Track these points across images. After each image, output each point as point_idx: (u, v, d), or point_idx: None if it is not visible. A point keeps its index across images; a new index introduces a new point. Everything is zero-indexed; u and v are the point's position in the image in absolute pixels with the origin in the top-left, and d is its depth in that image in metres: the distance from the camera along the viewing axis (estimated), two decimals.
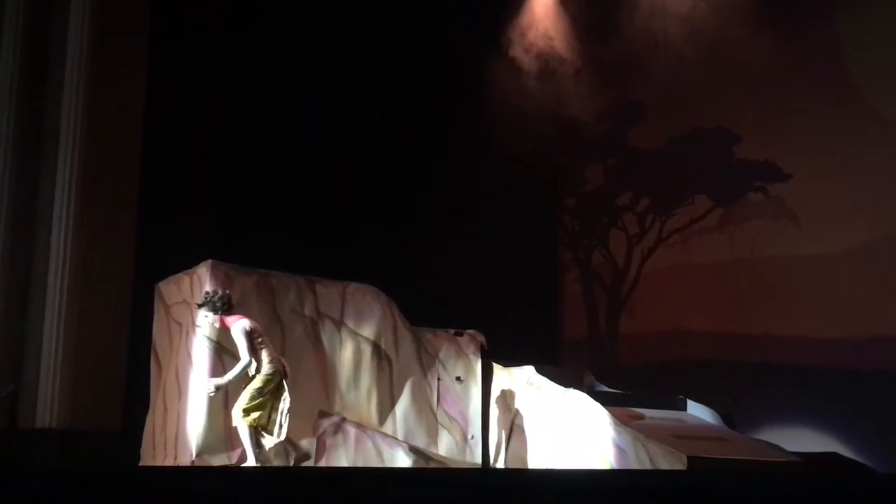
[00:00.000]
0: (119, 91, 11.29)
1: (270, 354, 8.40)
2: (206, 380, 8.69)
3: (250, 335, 8.35)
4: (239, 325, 8.38)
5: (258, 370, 8.30)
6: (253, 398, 8.24)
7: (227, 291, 8.67)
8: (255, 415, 8.24)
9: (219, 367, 9.01)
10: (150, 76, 11.42)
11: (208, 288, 8.92)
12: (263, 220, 11.53)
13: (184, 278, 9.84)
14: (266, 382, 8.29)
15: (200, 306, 8.51)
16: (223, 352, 9.18)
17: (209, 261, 9.57)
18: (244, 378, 8.34)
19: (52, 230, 11.00)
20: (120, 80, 11.29)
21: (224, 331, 8.59)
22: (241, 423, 8.26)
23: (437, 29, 12.90)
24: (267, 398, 8.27)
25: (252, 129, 11.71)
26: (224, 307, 8.45)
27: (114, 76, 11.26)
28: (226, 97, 11.59)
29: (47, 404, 10.62)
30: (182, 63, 11.37)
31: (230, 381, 8.39)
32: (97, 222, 11.02)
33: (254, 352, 8.31)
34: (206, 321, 8.57)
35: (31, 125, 11.30)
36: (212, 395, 8.57)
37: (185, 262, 9.88)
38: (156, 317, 10.15)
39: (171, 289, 10.03)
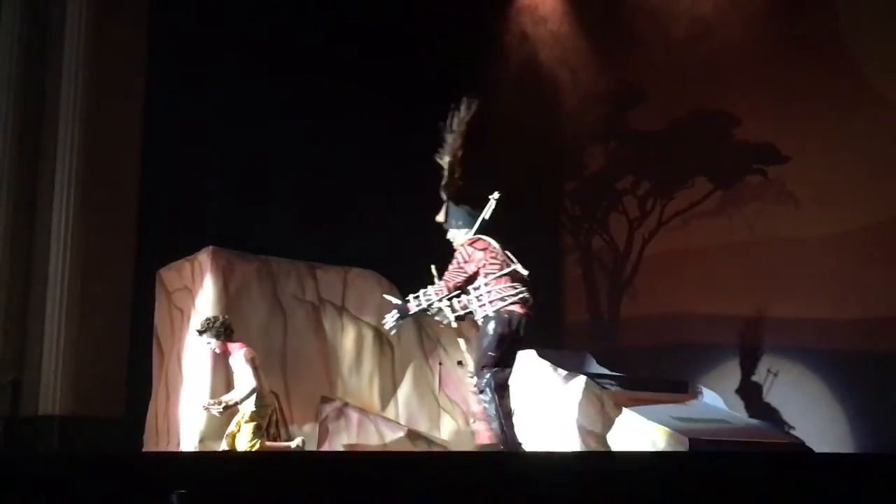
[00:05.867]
0: (119, 77, 11.30)
1: (264, 385, 8.57)
2: (213, 400, 8.71)
3: (253, 362, 8.49)
4: (243, 353, 8.54)
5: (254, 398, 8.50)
6: (254, 435, 8.45)
7: (227, 316, 8.76)
8: (258, 444, 8.48)
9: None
10: (150, 62, 11.41)
11: (208, 314, 8.96)
12: (264, 206, 11.53)
13: (185, 265, 9.86)
14: (262, 416, 8.51)
15: (202, 332, 8.60)
16: None
17: (210, 247, 9.58)
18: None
19: (52, 217, 11.01)
20: (120, 65, 11.29)
21: (224, 356, 8.70)
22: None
23: (433, 12, 12.87)
24: (264, 439, 8.52)
25: (252, 115, 11.70)
26: (227, 332, 8.59)
27: (114, 61, 11.26)
28: (226, 81, 11.57)
29: (50, 391, 10.66)
30: (182, 49, 11.35)
31: (237, 403, 8.53)
32: (98, 209, 11.04)
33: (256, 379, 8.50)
34: (208, 347, 8.68)
35: (31, 112, 11.30)
36: (219, 414, 8.63)
37: (186, 249, 9.89)
38: (157, 303, 10.16)
39: (172, 275, 10.04)
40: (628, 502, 4.94)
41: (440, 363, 10.32)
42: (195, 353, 9.31)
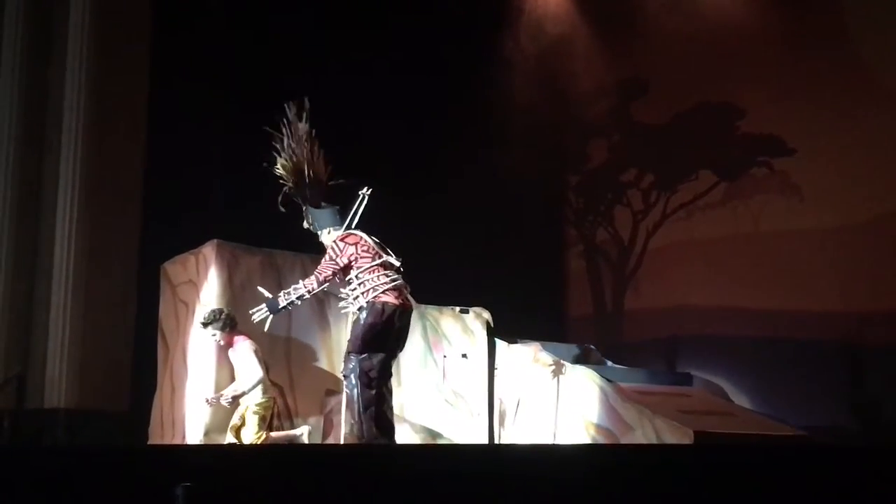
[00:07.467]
0: (122, 72, 11.30)
1: (266, 377, 8.66)
2: (216, 394, 8.76)
3: (257, 353, 8.54)
4: (247, 345, 8.59)
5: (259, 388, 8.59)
6: (259, 427, 8.52)
7: (230, 309, 8.80)
8: (263, 435, 8.57)
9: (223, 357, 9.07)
10: (153, 56, 11.41)
11: (213, 306, 9.01)
12: (268, 199, 11.51)
13: (189, 258, 9.86)
14: (266, 409, 8.61)
15: (207, 324, 8.65)
16: None
17: (214, 240, 9.58)
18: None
19: (57, 211, 11.02)
20: (123, 61, 11.29)
21: (227, 348, 8.75)
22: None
23: (437, 6, 12.86)
24: (268, 431, 8.64)
25: (257, 109, 11.68)
26: (231, 324, 8.66)
27: (117, 57, 11.26)
28: (230, 76, 11.56)
29: (55, 384, 10.68)
30: (186, 43, 11.34)
31: (244, 394, 8.59)
32: (102, 203, 11.05)
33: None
34: (213, 339, 8.73)
35: (35, 107, 11.31)
36: (228, 405, 8.67)
37: (191, 242, 9.89)
38: (162, 297, 10.17)
39: (176, 269, 10.04)
40: (633, 495, 4.94)
41: (444, 356, 10.32)
42: (200, 347, 9.32)
